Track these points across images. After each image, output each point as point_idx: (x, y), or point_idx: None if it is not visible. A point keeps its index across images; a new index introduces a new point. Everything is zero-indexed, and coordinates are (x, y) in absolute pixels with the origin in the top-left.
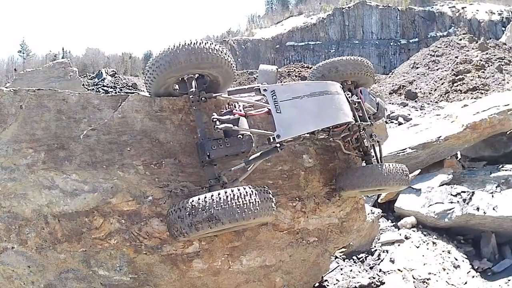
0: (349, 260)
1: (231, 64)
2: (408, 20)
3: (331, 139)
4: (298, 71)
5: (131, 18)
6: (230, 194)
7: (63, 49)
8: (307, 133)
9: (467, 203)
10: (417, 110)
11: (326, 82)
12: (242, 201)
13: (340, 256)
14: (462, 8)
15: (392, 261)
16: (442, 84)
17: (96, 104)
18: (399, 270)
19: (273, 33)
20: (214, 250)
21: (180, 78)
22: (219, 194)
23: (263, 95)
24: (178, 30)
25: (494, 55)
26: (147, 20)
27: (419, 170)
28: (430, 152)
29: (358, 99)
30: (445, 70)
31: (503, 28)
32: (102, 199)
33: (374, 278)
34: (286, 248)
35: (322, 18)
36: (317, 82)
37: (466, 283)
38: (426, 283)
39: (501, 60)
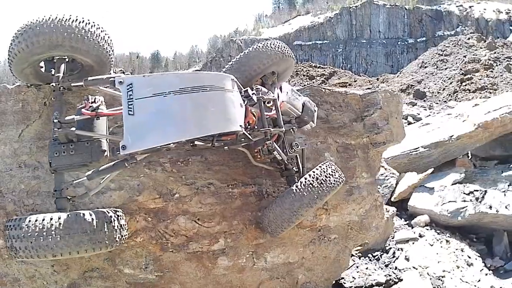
0: (365, 258)
1: (104, 48)
2: (416, 19)
3: (226, 147)
4: (306, 71)
5: (138, 17)
6: (29, 223)
7: None
8: (172, 143)
9: (480, 202)
10: (426, 110)
11: (208, 74)
12: (45, 232)
13: (356, 254)
14: (470, 7)
15: (407, 259)
16: (451, 83)
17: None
18: (414, 267)
19: (280, 32)
20: (240, 247)
21: (48, 59)
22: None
23: (118, 89)
24: (185, 29)
25: (503, 55)
26: (154, 19)
27: (432, 169)
28: (442, 151)
29: (270, 95)
30: (454, 70)
31: (511, 27)
32: (129, 196)
33: (390, 275)
34: (309, 245)
35: (330, 17)
36: (193, 73)
37: (479, 280)
38: (441, 280)
39: (509, 60)
